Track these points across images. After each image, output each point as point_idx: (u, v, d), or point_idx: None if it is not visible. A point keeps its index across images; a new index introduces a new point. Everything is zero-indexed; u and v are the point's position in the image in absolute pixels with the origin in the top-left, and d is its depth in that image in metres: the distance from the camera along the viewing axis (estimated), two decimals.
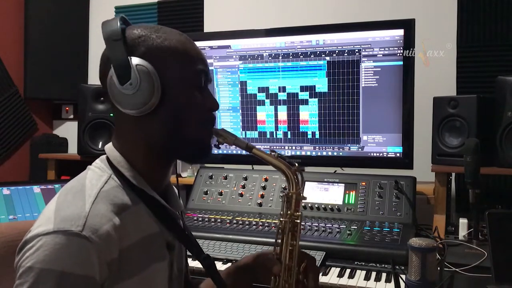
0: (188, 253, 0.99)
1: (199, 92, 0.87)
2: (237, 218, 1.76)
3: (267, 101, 2.00)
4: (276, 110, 1.99)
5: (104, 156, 0.88)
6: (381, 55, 1.82)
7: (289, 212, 0.95)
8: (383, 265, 1.39)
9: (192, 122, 0.86)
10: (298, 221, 0.94)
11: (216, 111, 0.93)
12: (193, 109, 0.86)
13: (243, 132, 2.05)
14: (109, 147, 0.89)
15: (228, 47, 2.02)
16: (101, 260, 0.73)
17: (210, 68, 2.02)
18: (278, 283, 0.94)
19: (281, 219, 0.96)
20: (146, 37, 0.84)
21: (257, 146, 0.93)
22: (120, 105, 0.83)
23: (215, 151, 0.95)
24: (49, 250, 0.70)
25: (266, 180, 1.91)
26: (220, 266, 1.43)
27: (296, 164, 0.95)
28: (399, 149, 1.83)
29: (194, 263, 1.41)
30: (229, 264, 1.45)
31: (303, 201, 0.97)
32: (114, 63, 0.81)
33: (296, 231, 0.94)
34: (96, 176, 0.84)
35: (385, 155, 1.86)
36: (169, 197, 0.94)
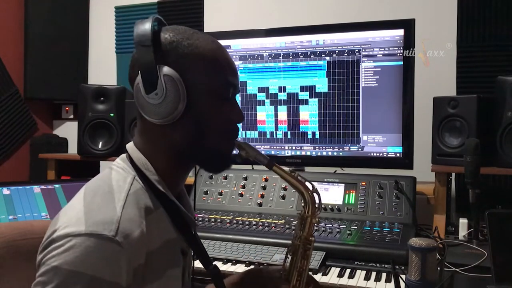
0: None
1: (225, 104, 0.86)
2: (237, 218, 1.76)
3: (267, 101, 2.00)
4: (276, 110, 1.99)
5: (125, 155, 0.87)
6: (381, 55, 1.82)
7: (303, 234, 0.94)
8: (383, 265, 1.39)
9: (215, 133, 0.85)
10: (310, 246, 0.94)
11: None
12: (218, 120, 0.84)
13: (243, 132, 2.05)
14: (131, 147, 0.87)
15: (228, 47, 2.02)
16: (129, 266, 0.72)
17: None
18: None
19: (294, 240, 0.95)
20: (178, 43, 0.82)
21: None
22: (145, 113, 0.82)
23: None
24: (79, 252, 0.69)
25: (266, 180, 1.91)
26: (220, 266, 1.43)
27: (315, 186, 0.94)
28: (399, 149, 1.83)
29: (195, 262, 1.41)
30: (229, 264, 1.45)
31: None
32: (142, 70, 0.80)
33: (308, 255, 0.94)
34: (121, 178, 0.82)
35: (385, 155, 1.86)
36: (183, 203, 0.93)
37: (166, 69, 0.79)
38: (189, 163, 0.89)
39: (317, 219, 0.95)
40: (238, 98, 1.98)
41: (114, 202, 0.76)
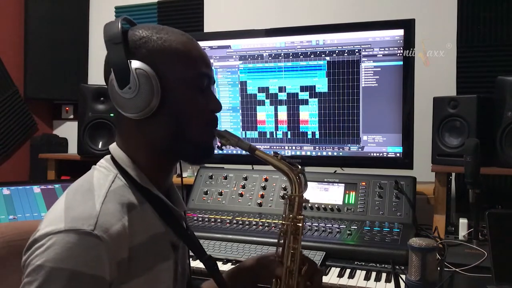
0: (191, 253, 0.99)
1: (201, 94, 0.87)
2: (237, 218, 1.76)
3: (267, 101, 2.00)
4: (276, 110, 1.99)
5: (108, 156, 0.89)
6: (381, 55, 1.82)
7: (291, 215, 0.94)
8: (383, 265, 1.39)
9: (193, 124, 0.86)
10: (300, 224, 0.93)
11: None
12: (194, 111, 0.86)
13: (243, 132, 2.05)
14: (114, 147, 0.89)
15: (228, 47, 2.02)
16: (111, 259, 0.73)
17: None
18: (279, 285, 0.93)
19: (283, 221, 0.95)
20: (148, 38, 0.84)
21: (257, 147, 0.93)
22: (121, 109, 0.84)
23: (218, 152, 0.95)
24: (60, 248, 0.70)
25: (266, 180, 1.91)
26: (220, 266, 1.43)
27: (299, 166, 0.94)
28: (399, 149, 1.83)
29: (194, 263, 1.41)
30: (229, 264, 1.45)
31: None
32: (113, 67, 0.82)
33: (298, 234, 0.93)
34: (102, 176, 0.84)
35: (385, 155, 1.86)
36: (172, 198, 0.94)
37: (137, 63, 0.81)
38: (172, 157, 0.90)
39: (304, 198, 0.94)
40: (238, 97, 2.00)
41: (93, 199, 0.78)
